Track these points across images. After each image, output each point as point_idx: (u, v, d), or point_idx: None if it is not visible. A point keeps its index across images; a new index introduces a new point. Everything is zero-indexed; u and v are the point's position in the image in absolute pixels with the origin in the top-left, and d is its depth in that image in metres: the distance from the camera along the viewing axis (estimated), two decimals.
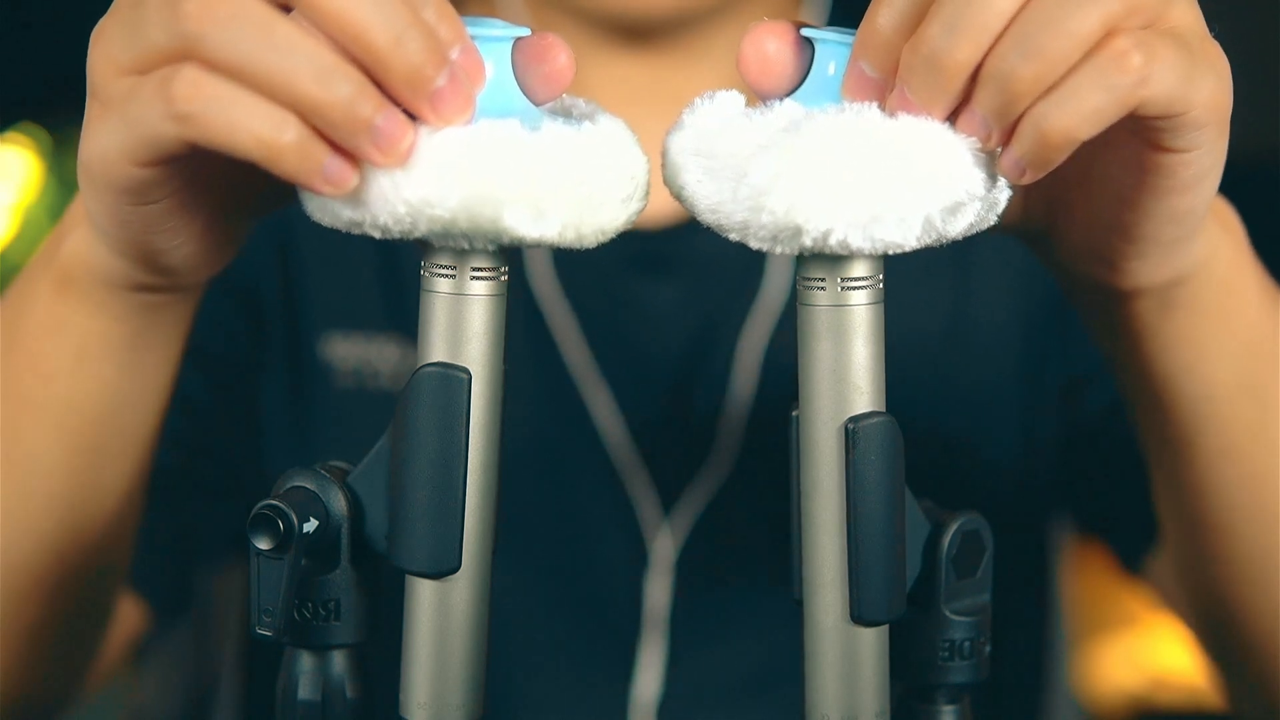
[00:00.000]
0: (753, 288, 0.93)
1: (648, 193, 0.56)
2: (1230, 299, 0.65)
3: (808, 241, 0.52)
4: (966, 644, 0.59)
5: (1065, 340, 0.94)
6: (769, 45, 0.55)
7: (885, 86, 0.54)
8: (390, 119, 0.52)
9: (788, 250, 0.53)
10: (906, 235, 0.52)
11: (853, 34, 0.55)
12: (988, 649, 0.59)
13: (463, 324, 0.55)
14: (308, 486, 0.56)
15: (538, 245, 0.54)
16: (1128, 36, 0.51)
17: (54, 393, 0.66)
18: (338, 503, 0.56)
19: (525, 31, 0.55)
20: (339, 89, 0.51)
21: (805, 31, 0.55)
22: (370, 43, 0.51)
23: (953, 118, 0.53)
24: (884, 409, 0.55)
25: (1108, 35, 0.51)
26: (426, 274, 0.55)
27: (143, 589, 0.87)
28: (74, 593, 0.73)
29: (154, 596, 0.88)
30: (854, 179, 0.51)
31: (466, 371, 0.55)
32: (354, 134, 0.52)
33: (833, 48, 0.55)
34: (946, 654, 0.59)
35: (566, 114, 0.57)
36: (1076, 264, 0.64)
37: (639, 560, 0.91)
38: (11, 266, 2.41)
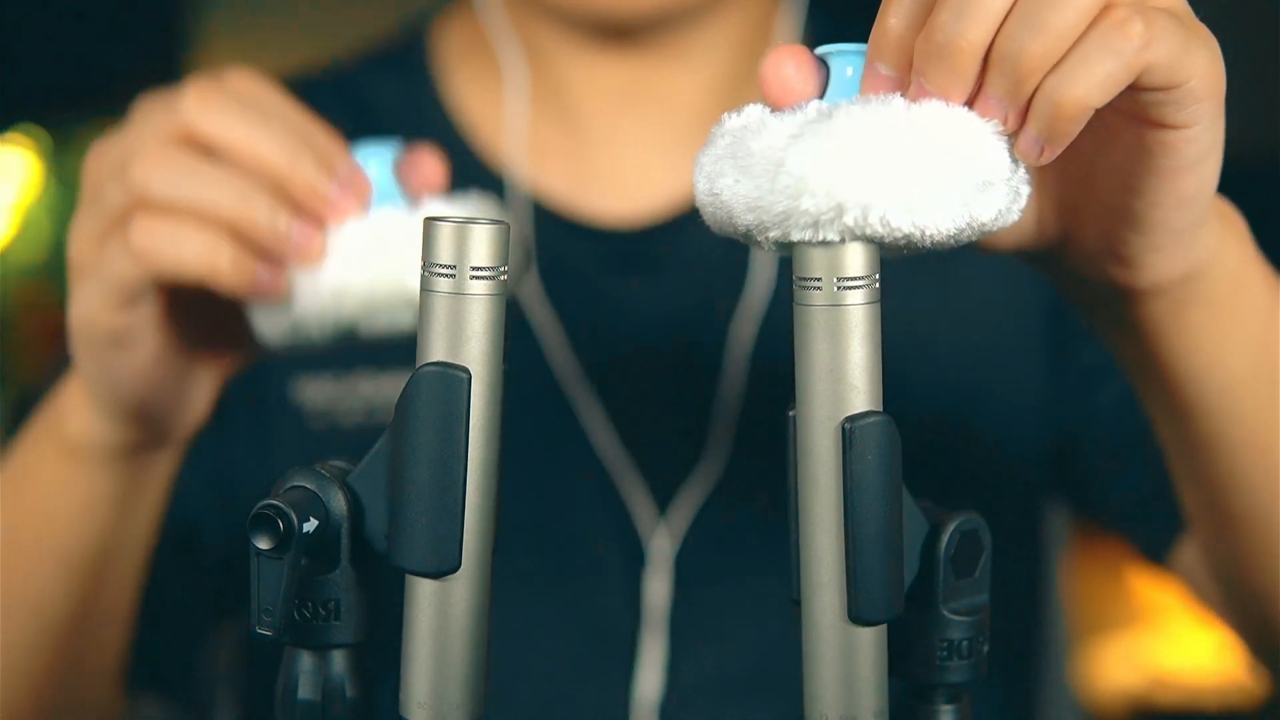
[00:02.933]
0: (737, 284, 0.93)
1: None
2: (1242, 291, 0.66)
3: (850, 221, 0.53)
4: (965, 643, 0.59)
5: (1066, 337, 0.94)
6: (787, 68, 0.57)
7: (902, 84, 0.56)
8: (302, 225, 0.68)
9: (830, 236, 0.54)
10: (942, 214, 0.54)
11: (862, 44, 0.57)
12: (986, 648, 0.60)
13: (462, 323, 0.55)
14: (307, 486, 0.56)
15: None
16: (1124, 7, 0.54)
17: (62, 539, 0.79)
18: (337, 502, 0.56)
19: (399, 149, 0.72)
20: (258, 209, 0.67)
21: (817, 51, 0.58)
22: (273, 169, 0.67)
23: (968, 105, 0.55)
24: (881, 408, 0.55)
25: (1105, 8, 0.54)
26: (426, 273, 0.55)
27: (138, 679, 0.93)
28: (77, 689, 0.85)
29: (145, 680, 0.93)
30: (889, 153, 0.53)
31: (466, 371, 0.55)
32: (276, 241, 0.67)
33: (847, 56, 0.58)
34: (945, 653, 0.59)
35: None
36: (1092, 269, 0.64)
37: (637, 560, 0.91)
38: (11, 267, 2.41)
